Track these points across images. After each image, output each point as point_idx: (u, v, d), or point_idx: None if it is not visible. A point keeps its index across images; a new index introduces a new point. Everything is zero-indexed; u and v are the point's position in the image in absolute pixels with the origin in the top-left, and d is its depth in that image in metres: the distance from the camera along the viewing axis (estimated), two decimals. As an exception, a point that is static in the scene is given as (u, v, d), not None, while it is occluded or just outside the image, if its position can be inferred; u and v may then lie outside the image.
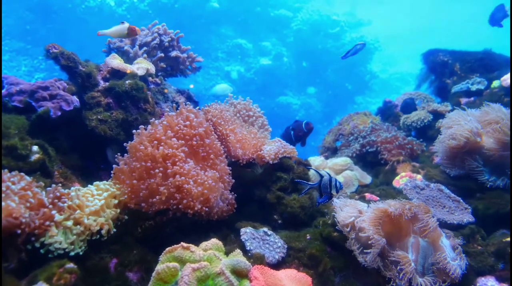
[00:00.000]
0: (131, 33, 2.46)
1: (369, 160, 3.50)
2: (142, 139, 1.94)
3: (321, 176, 1.93)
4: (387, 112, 4.32)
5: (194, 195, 1.82)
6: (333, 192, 1.88)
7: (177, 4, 12.50)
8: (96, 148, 2.41)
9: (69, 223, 1.62)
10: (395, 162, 3.21)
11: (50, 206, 1.63)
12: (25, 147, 1.88)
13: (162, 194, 1.81)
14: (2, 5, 9.84)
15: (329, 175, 1.93)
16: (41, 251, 1.54)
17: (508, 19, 3.91)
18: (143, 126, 2.05)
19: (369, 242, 1.69)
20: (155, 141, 1.93)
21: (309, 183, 2.05)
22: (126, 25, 2.41)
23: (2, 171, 1.58)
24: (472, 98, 3.71)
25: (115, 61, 2.59)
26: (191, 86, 2.82)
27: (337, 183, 1.87)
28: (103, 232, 1.71)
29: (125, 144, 1.99)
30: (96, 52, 3.69)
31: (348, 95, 14.48)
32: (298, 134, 2.71)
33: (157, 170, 1.84)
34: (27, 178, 1.65)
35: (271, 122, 2.65)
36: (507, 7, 3.84)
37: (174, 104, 2.62)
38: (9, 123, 1.98)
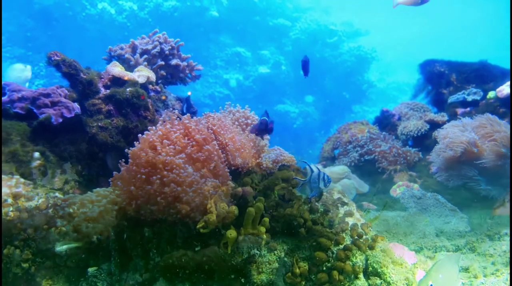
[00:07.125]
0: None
1: (366, 168, 3.53)
2: (144, 145, 1.95)
3: (312, 171, 1.99)
4: (385, 121, 4.35)
5: (194, 206, 1.83)
6: (321, 185, 1.92)
7: (177, 12, 12.61)
8: (96, 155, 2.42)
9: (68, 228, 1.63)
10: (392, 171, 3.24)
11: (51, 212, 1.64)
12: (26, 153, 1.90)
13: (160, 204, 1.82)
14: (3, 12, 9.89)
15: (318, 169, 1.98)
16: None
17: None
18: (147, 132, 2.05)
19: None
20: (159, 147, 1.94)
21: (302, 179, 2.11)
22: None
23: None
24: (468, 109, 3.76)
25: (116, 69, 2.62)
26: (189, 93, 2.87)
27: (325, 176, 1.92)
28: (101, 238, 1.72)
29: (126, 150, 2.00)
30: (96, 59, 3.73)
31: (346, 104, 14.57)
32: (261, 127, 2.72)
33: (154, 177, 1.85)
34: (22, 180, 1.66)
35: (269, 130, 2.66)
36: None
37: (176, 111, 2.64)
38: (10, 130, 2.00)
